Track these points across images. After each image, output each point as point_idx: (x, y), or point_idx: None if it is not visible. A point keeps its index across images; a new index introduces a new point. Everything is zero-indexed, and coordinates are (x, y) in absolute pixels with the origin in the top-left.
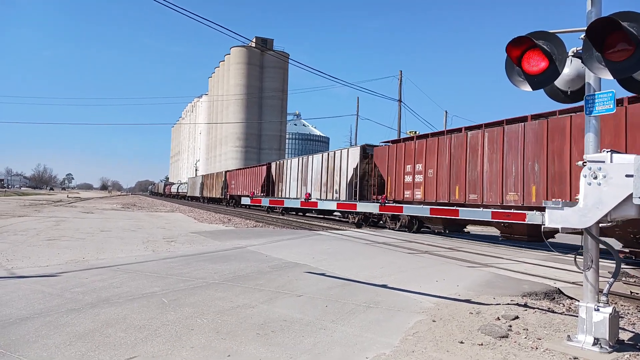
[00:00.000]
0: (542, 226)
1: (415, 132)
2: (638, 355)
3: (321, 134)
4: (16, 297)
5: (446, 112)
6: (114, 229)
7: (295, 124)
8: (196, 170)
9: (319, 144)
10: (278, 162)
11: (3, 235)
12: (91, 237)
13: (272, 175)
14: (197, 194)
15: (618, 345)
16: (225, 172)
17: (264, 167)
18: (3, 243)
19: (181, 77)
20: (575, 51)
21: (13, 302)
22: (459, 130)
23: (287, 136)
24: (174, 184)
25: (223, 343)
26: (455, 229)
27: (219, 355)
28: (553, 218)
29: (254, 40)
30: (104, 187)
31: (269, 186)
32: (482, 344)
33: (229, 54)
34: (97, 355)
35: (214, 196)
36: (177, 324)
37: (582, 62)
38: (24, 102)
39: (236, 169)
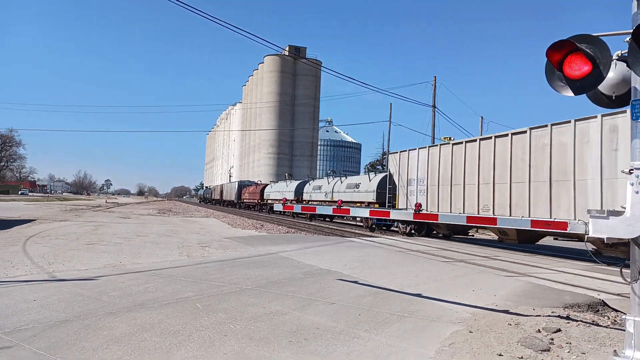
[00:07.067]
0: (586, 236)
1: (451, 139)
2: None
3: (353, 141)
4: (56, 300)
5: (482, 118)
6: (150, 234)
7: (327, 131)
8: (230, 176)
9: (351, 151)
10: None
11: (45, 239)
12: (128, 242)
13: None
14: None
15: None
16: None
17: None
18: (45, 247)
19: (217, 85)
20: (620, 54)
21: (53, 304)
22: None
23: (319, 143)
24: (269, 184)
25: (256, 350)
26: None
27: None
28: (597, 228)
29: (287, 48)
30: (141, 193)
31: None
32: (522, 357)
33: (263, 63)
34: (132, 359)
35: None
36: (210, 330)
37: (627, 65)
38: (67, 110)
39: None
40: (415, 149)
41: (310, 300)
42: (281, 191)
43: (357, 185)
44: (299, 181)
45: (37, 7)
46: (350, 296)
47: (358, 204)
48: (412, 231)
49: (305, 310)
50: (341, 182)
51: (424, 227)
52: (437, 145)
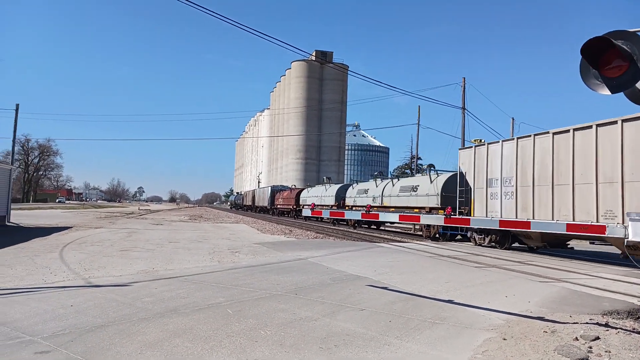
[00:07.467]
0: (625, 240)
1: (481, 141)
2: None
3: (381, 144)
4: (92, 305)
5: (513, 119)
6: (182, 240)
7: (355, 135)
8: (259, 182)
9: (378, 155)
10: None
11: (81, 246)
12: (160, 248)
13: None
14: None
15: None
16: None
17: None
18: (81, 253)
19: (245, 93)
20: None
21: (89, 310)
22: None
23: (347, 147)
24: (306, 188)
25: (286, 356)
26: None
27: None
28: (638, 231)
29: (314, 53)
30: (172, 200)
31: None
32: None
33: (290, 69)
34: None
35: None
36: (241, 336)
37: None
38: (100, 119)
39: None
40: (497, 142)
41: (339, 307)
42: (319, 196)
43: (414, 188)
44: (340, 185)
45: (67, 17)
46: (380, 302)
47: (416, 210)
48: (494, 243)
49: (335, 317)
50: (393, 185)
51: (508, 237)
52: (529, 135)
